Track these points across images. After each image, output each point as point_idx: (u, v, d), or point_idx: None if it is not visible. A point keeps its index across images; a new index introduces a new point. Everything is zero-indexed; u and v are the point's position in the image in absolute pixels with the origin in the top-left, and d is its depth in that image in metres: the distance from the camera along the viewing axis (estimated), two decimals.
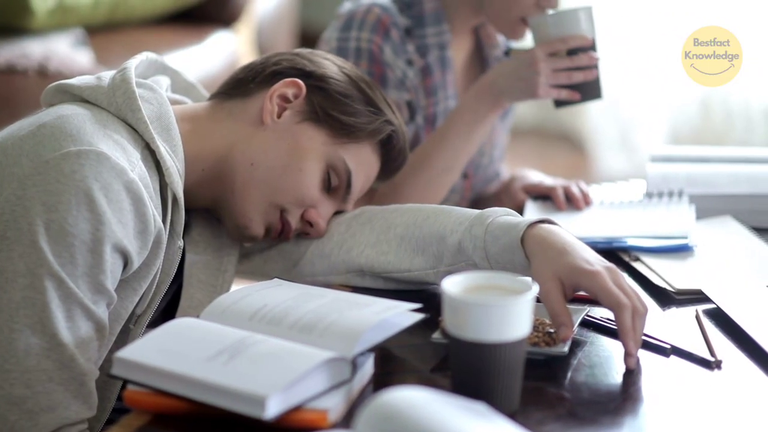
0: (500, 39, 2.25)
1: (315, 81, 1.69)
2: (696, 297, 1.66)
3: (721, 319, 1.58)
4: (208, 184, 1.65)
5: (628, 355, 1.41)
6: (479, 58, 2.26)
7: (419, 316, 1.41)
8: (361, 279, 1.71)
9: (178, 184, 1.54)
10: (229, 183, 1.65)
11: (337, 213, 1.74)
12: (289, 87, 1.67)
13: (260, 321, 1.38)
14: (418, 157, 2.00)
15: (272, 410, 1.21)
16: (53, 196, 1.40)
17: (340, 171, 1.68)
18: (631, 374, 1.42)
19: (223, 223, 1.71)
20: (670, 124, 4.40)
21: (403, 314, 1.40)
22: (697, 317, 1.59)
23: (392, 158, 1.77)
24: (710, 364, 1.44)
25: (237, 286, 1.62)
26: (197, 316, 1.44)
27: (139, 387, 1.28)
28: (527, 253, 1.51)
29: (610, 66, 4.57)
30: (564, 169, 1.92)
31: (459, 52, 2.19)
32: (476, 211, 1.60)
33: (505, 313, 1.26)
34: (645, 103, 4.45)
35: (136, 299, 1.53)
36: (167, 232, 1.54)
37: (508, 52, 2.03)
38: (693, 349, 1.47)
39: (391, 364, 1.44)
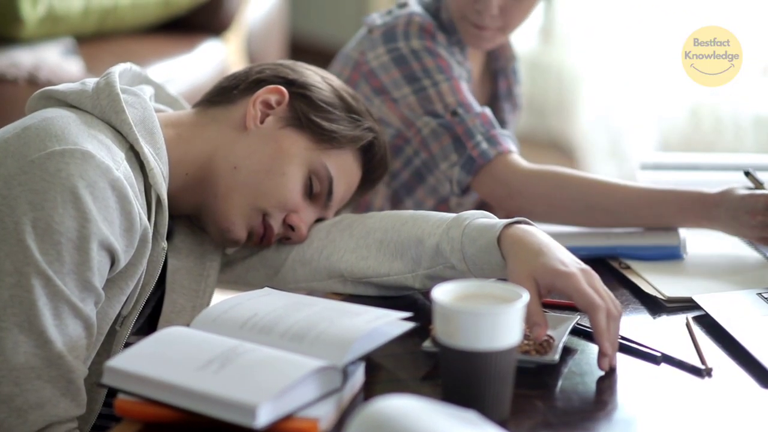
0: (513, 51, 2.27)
1: (297, 88, 1.71)
2: (686, 305, 1.66)
3: (711, 326, 1.58)
4: (192, 189, 1.66)
5: (602, 356, 1.42)
6: (489, 72, 2.27)
7: (410, 325, 1.41)
8: (343, 285, 1.71)
9: (161, 185, 1.55)
10: (212, 187, 1.66)
11: (318, 221, 1.75)
12: (272, 93, 1.69)
13: (251, 330, 1.38)
14: (598, 189, 1.90)
15: (263, 419, 1.21)
16: (39, 195, 1.41)
17: (322, 177, 1.69)
18: (622, 382, 1.42)
19: (206, 229, 1.72)
20: (660, 131, 4.41)
21: (393, 323, 1.40)
22: (688, 325, 1.59)
23: (373, 167, 1.78)
24: (701, 372, 1.44)
25: (220, 296, 1.63)
26: (187, 325, 1.44)
27: (130, 396, 1.28)
28: (503, 254, 1.52)
29: (601, 72, 4.58)
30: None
31: (473, 64, 2.19)
32: (453, 215, 1.62)
33: (495, 321, 1.26)
34: (635, 110, 4.46)
35: (123, 299, 1.53)
36: (151, 233, 1.54)
37: (748, 174, 1.95)
38: (683, 356, 1.47)
39: (382, 372, 1.44)
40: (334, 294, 1.71)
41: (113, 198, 1.45)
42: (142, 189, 1.53)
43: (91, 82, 1.60)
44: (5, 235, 1.40)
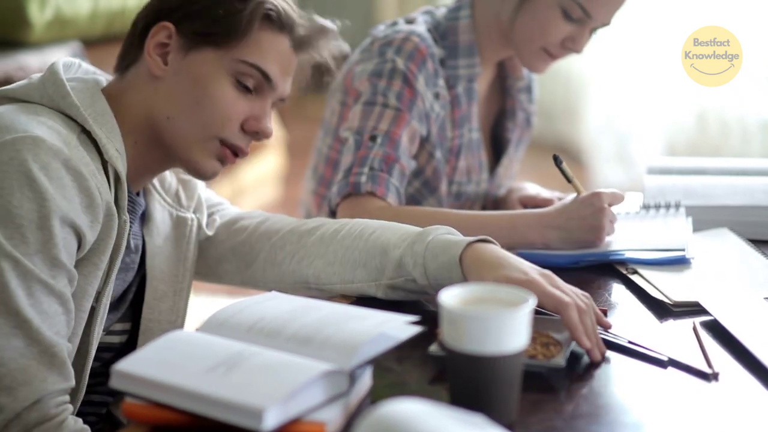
0: (524, 71, 2.30)
1: (177, 12, 1.67)
2: (693, 309, 1.66)
3: (718, 331, 1.58)
4: (147, 153, 1.67)
5: (588, 351, 1.46)
6: (500, 89, 2.29)
7: (417, 329, 1.41)
8: (307, 292, 1.74)
9: (116, 158, 1.57)
10: (162, 143, 1.67)
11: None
12: (159, 33, 1.66)
13: (258, 333, 1.38)
14: (433, 217, 1.90)
15: (270, 422, 1.21)
16: None
17: (246, 71, 1.67)
18: (629, 386, 1.42)
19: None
20: (666, 136, 4.41)
21: (400, 327, 1.40)
22: (695, 329, 1.59)
23: (298, 37, 1.72)
24: (707, 376, 1.44)
25: (197, 298, 1.65)
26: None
27: (137, 399, 1.28)
28: (464, 271, 1.56)
29: (607, 76, 4.58)
30: (561, 181, 1.93)
31: (481, 83, 2.21)
32: (420, 229, 1.64)
33: (502, 325, 1.26)
34: (641, 115, 4.46)
35: (100, 274, 1.56)
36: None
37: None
38: (690, 361, 1.47)
39: (389, 376, 1.44)
40: (342, 297, 1.71)
41: (68, 177, 1.48)
42: (100, 167, 1.56)
43: (37, 76, 1.63)
44: None
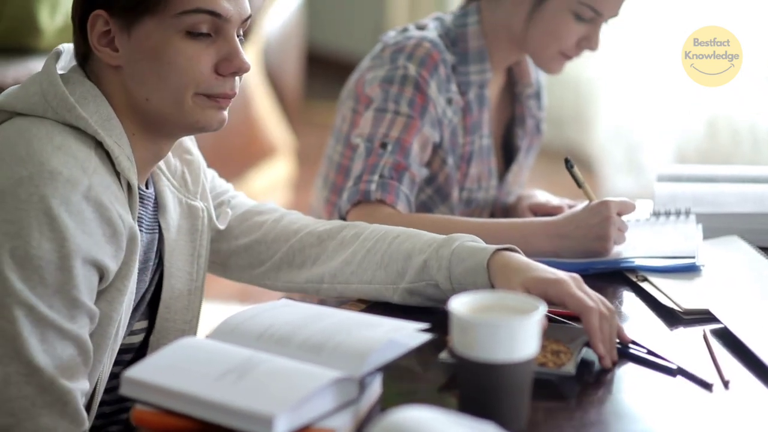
0: (533, 78, 2.30)
1: None
2: (703, 317, 1.66)
3: (728, 339, 1.57)
4: (147, 140, 1.60)
5: (600, 358, 1.47)
6: (510, 95, 2.29)
7: (427, 336, 1.41)
8: (318, 293, 1.74)
9: (129, 170, 1.53)
10: (152, 126, 1.59)
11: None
12: (95, 24, 1.57)
13: (268, 341, 1.39)
14: (441, 225, 1.89)
15: (280, 430, 1.21)
16: (14, 224, 1.42)
17: (192, 20, 1.55)
18: (639, 395, 1.42)
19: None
20: (676, 143, 4.41)
21: (410, 334, 1.40)
22: (705, 337, 1.59)
23: None
24: (710, 387, 1.44)
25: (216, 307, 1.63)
26: (198, 335, 1.45)
27: (147, 406, 1.28)
28: (491, 276, 1.57)
29: (618, 84, 4.58)
30: (571, 189, 1.93)
31: (492, 89, 2.21)
32: (444, 236, 1.66)
33: (513, 332, 1.26)
34: (652, 122, 4.45)
35: (123, 299, 1.53)
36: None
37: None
38: (701, 369, 1.47)
39: (399, 383, 1.44)
40: (353, 305, 1.71)
41: (89, 209, 1.45)
42: (116, 179, 1.52)
43: (32, 83, 1.56)
44: None
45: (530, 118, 2.30)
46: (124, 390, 1.29)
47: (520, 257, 1.59)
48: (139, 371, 1.30)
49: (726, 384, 1.44)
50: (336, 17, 6.08)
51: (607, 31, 2.13)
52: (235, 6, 1.57)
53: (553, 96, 4.76)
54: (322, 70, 5.78)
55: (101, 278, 1.49)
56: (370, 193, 1.98)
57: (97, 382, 1.55)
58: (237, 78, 1.61)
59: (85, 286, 1.45)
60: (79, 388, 1.46)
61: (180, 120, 1.59)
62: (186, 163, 1.75)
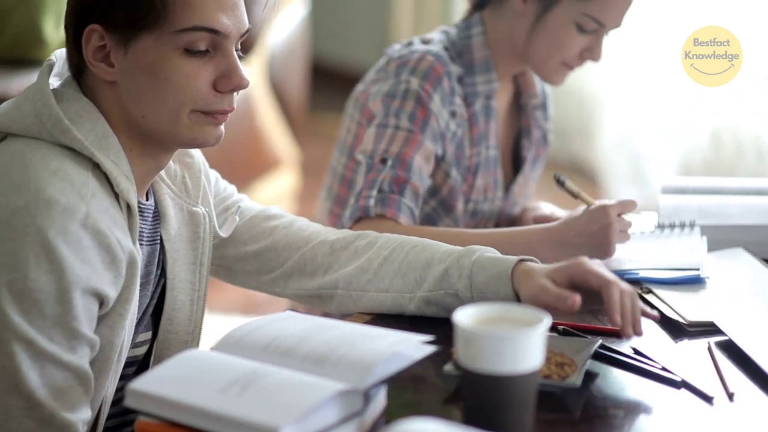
0: (538, 88, 2.30)
1: (96, 10, 1.54)
2: (708, 329, 1.66)
3: (733, 351, 1.57)
4: (146, 155, 1.58)
5: (620, 329, 1.50)
6: (516, 106, 2.29)
7: (431, 348, 1.40)
8: (327, 303, 1.74)
9: (128, 191, 1.50)
10: (149, 141, 1.57)
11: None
12: (90, 38, 1.54)
13: (273, 352, 1.38)
14: (445, 236, 1.85)
15: None
16: (10, 256, 1.40)
17: (191, 37, 1.53)
18: (644, 407, 1.42)
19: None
20: (681, 155, 4.40)
21: (415, 346, 1.40)
22: (710, 349, 1.58)
23: None
24: (711, 400, 1.43)
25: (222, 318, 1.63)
26: (202, 347, 1.44)
27: (152, 418, 1.28)
28: (514, 283, 1.58)
29: (622, 95, 4.58)
30: (575, 201, 1.94)
31: (500, 100, 2.22)
32: (462, 247, 1.66)
33: (517, 344, 1.26)
34: (656, 134, 4.45)
35: (125, 323, 1.52)
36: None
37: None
38: (706, 381, 1.47)
39: (404, 395, 1.44)
40: (357, 317, 1.71)
41: (87, 237, 1.43)
42: (114, 201, 1.50)
43: (25, 101, 1.53)
44: None
45: (536, 128, 2.31)
46: (129, 402, 1.29)
47: (542, 266, 1.59)
48: (143, 383, 1.30)
49: (731, 396, 1.44)
50: (341, 29, 6.09)
51: (611, 41, 2.13)
52: (233, 21, 1.55)
53: (557, 108, 4.74)
54: (327, 82, 5.78)
55: (101, 305, 1.48)
56: (370, 209, 1.99)
57: (101, 402, 1.54)
58: (235, 93, 1.59)
59: (85, 316, 1.44)
60: (81, 418, 1.45)
61: (176, 136, 1.56)
62: (186, 166, 1.73)
